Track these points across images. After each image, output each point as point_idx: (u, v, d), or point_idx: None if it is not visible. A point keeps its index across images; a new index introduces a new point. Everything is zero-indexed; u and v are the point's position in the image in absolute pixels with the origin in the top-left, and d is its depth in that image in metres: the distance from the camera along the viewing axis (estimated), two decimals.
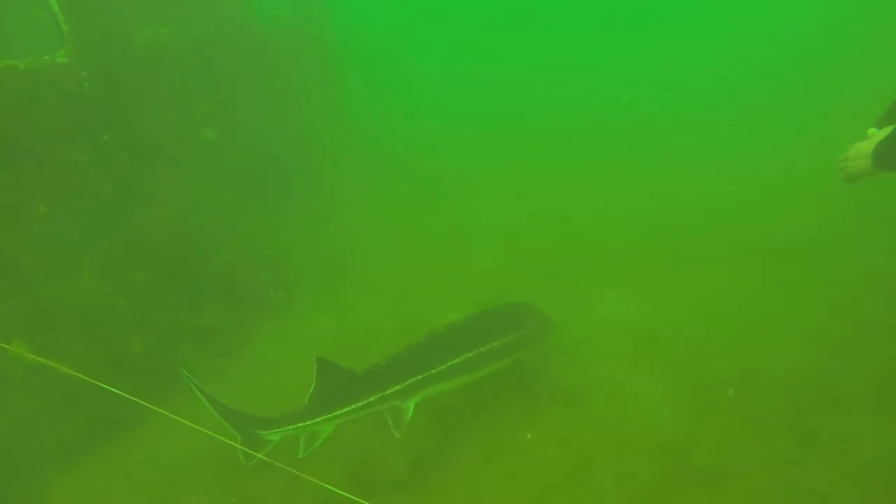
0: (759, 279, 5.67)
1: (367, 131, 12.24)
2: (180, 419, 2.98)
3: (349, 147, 11.25)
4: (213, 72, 7.60)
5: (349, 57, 12.68)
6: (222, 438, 3.43)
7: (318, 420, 3.80)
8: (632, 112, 13.20)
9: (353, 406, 3.82)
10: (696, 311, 5.30)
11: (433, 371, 3.98)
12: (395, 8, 23.70)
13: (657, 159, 10.13)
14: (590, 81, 16.50)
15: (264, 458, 3.55)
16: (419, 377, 3.95)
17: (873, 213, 6.21)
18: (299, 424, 3.79)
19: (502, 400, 4.70)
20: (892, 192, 5.76)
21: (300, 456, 3.83)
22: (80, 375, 2.91)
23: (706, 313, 5.24)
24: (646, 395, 4.53)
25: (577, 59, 19.22)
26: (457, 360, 4.06)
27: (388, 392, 3.87)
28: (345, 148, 11.11)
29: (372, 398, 3.84)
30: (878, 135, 2.69)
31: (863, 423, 3.86)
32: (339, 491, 2.74)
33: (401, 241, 8.60)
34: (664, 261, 6.46)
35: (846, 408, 4.00)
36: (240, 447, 3.67)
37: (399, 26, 22.22)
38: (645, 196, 8.56)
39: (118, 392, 2.90)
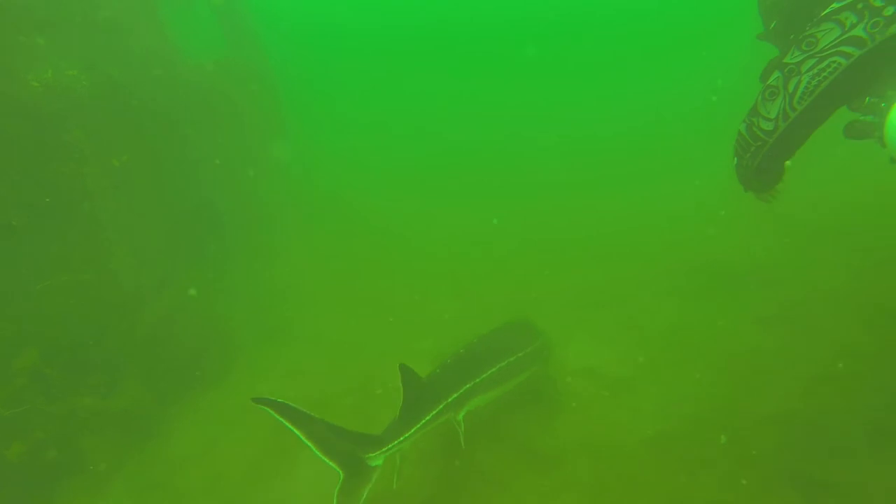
0: (723, 311, 5.39)
1: (307, 172, 11.71)
2: None
3: (289, 189, 10.68)
4: (136, 115, 6.92)
5: (286, 96, 12.24)
6: None
7: (415, 430, 3.56)
8: (571, 148, 13.36)
9: (431, 414, 3.68)
10: (667, 350, 4.93)
11: (478, 380, 4.02)
12: (332, 45, 23.67)
13: (602, 195, 10.05)
14: (526, 122, 16.73)
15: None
16: (469, 385, 3.96)
17: (818, 232, 6.15)
18: (404, 437, 3.48)
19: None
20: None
21: (395, 486, 3.53)
22: None
23: (679, 352, 4.89)
24: (628, 453, 4.07)
25: (513, 99, 19.61)
26: (494, 369, 4.13)
27: (450, 400, 3.82)
28: (285, 190, 10.52)
29: (440, 406, 3.76)
30: None
31: (865, 468, 3.53)
32: None
33: (349, 288, 8.04)
34: (623, 297, 6.16)
35: (843, 451, 3.67)
36: (339, 487, 3.16)
37: (338, 64, 22.16)
38: (595, 229, 8.38)
39: None
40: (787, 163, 2.73)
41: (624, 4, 25.45)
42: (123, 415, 4.91)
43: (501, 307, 6.05)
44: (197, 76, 8.79)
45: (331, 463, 3.26)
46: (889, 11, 1.87)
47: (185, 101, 8.26)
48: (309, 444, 3.26)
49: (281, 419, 3.27)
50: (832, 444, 3.68)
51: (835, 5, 2.03)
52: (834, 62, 2.04)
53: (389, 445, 3.42)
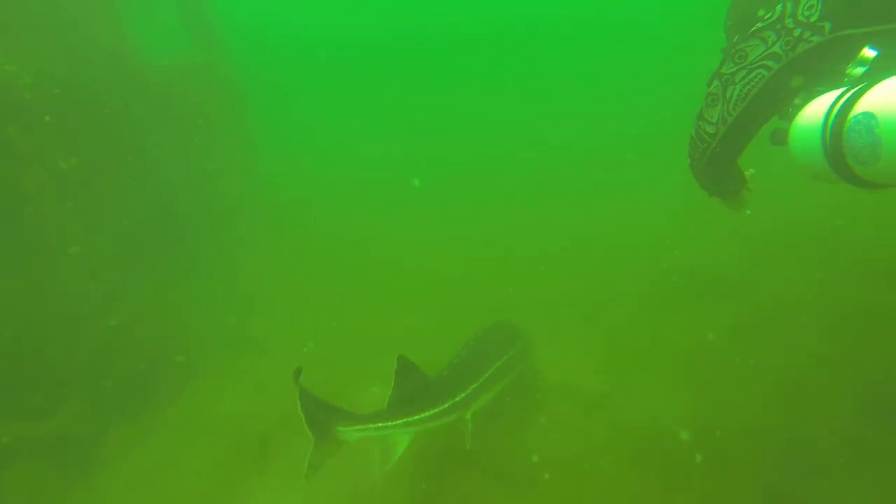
0: (700, 321, 5.29)
1: (273, 180, 11.38)
2: None
3: (253, 195, 10.33)
4: (88, 116, 6.53)
5: (253, 103, 11.93)
6: None
7: (403, 422, 3.57)
8: (549, 160, 13.36)
9: (432, 412, 3.66)
10: (642, 364, 4.80)
11: (484, 377, 4.05)
12: (300, 49, 23.39)
13: (578, 205, 9.98)
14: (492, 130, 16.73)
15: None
16: (476, 384, 3.96)
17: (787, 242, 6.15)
18: (386, 424, 3.52)
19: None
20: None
21: (382, 469, 3.56)
22: None
23: (654, 365, 4.76)
24: (599, 468, 3.89)
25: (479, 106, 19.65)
26: (495, 367, 4.19)
27: (457, 399, 3.80)
28: (249, 196, 10.17)
29: (446, 404, 3.73)
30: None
31: (838, 483, 3.44)
32: None
33: (314, 299, 7.72)
34: (598, 308, 6.03)
35: (815, 464, 3.57)
36: (310, 450, 3.33)
37: (309, 74, 21.89)
38: (568, 240, 8.26)
39: None
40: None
41: (608, 18, 25.96)
42: (59, 441, 4.49)
43: (474, 321, 5.84)
44: (158, 78, 8.42)
45: (307, 428, 3.41)
46: (797, 33, 2.18)
47: (144, 104, 7.88)
48: (300, 411, 3.43)
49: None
50: (805, 458, 3.60)
51: (759, 25, 2.34)
52: (759, 74, 2.35)
53: (364, 426, 3.49)
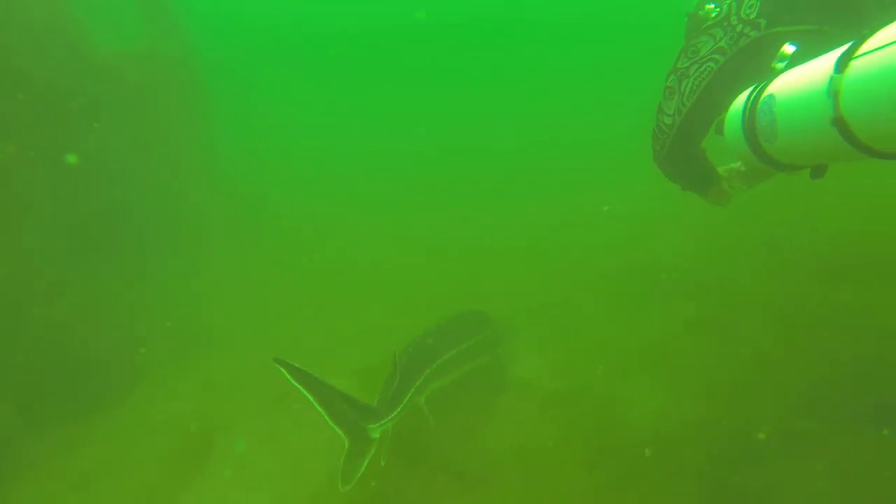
0: (659, 318, 5.33)
1: (233, 172, 11.08)
2: None
3: (214, 190, 10.03)
4: (28, 102, 6.19)
5: (215, 91, 11.60)
6: None
7: (401, 409, 3.69)
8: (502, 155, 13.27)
9: (409, 396, 3.82)
10: (599, 360, 4.78)
11: (440, 360, 4.25)
12: (266, 39, 22.86)
13: (551, 200, 9.98)
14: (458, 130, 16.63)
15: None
16: (428, 371, 4.12)
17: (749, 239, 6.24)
18: (395, 413, 3.60)
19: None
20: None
21: (383, 463, 3.51)
22: None
23: (611, 362, 4.76)
24: (553, 465, 3.86)
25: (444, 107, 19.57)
26: (454, 352, 4.38)
27: (418, 383, 3.99)
28: (209, 191, 9.86)
29: (413, 389, 3.90)
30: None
31: (778, 474, 3.49)
32: None
33: (274, 296, 7.54)
34: (561, 304, 6.01)
35: (758, 457, 3.62)
36: (345, 455, 3.28)
37: (271, 60, 21.40)
38: (538, 235, 8.28)
39: None
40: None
41: (597, 17, 26.13)
42: None
43: (432, 316, 5.78)
44: (111, 65, 8.06)
45: (338, 430, 3.38)
46: (739, 29, 2.45)
47: (94, 91, 7.52)
48: (320, 409, 3.39)
49: (295, 383, 3.40)
50: (747, 450, 3.62)
51: (709, 23, 2.58)
52: (708, 67, 2.57)
53: (385, 419, 3.55)
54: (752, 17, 2.40)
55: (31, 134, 6.13)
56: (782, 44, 2.23)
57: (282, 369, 3.38)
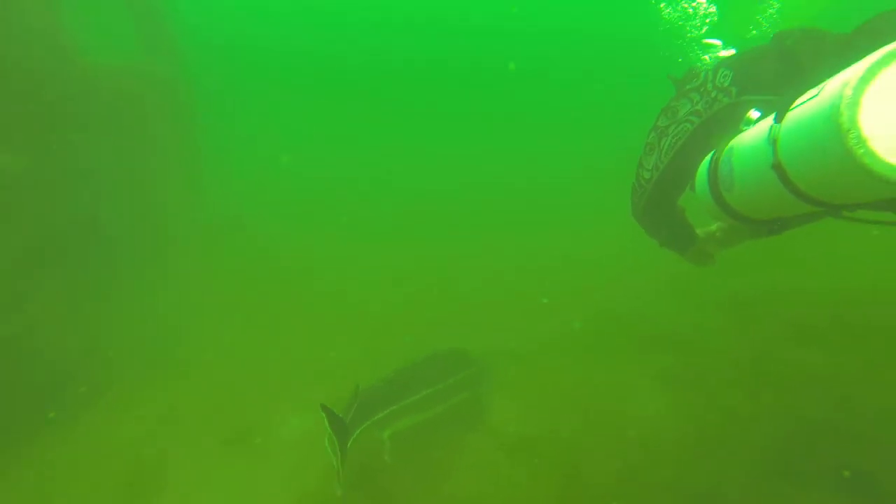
0: (631, 369, 5.30)
1: (211, 194, 10.92)
2: None
3: (192, 212, 9.84)
4: (6, 108, 6.04)
5: (203, 113, 11.54)
6: None
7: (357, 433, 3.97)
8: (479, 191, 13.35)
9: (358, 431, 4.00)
10: (569, 409, 4.71)
11: (406, 402, 4.32)
12: (262, 67, 22.96)
13: (512, 244, 10.00)
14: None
15: None
16: (395, 407, 4.25)
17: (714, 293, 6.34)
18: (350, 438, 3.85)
19: None
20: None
21: (339, 494, 3.71)
22: None
23: (580, 410, 4.69)
24: None
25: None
26: (423, 394, 4.42)
27: (375, 419, 4.14)
28: (187, 212, 9.68)
29: (366, 424, 4.07)
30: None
31: None
32: None
33: (244, 323, 7.32)
34: (530, 350, 5.94)
35: None
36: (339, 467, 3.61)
37: (265, 88, 21.45)
38: (504, 279, 8.25)
39: None
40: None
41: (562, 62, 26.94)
42: None
43: (401, 354, 5.67)
44: (99, 76, 7.94)
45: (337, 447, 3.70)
46: (714, 95, 2.64)
47: (79, 101, 7.39)
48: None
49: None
50: None
51: (688, 87, 2.78)
52: (685, 127, 2.73)
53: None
54: (725, 85, 2.62)
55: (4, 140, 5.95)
56: (749, 109, 2.43)
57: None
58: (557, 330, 6.29)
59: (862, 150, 1.49)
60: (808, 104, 1.70)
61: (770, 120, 1.93)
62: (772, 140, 1.86)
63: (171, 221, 9.28)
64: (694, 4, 3.91)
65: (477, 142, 19.13)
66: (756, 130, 2.07)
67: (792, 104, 1.81)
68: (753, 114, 2.40)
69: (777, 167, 1.84)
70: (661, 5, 4.02)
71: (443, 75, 27.18)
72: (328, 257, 9.57)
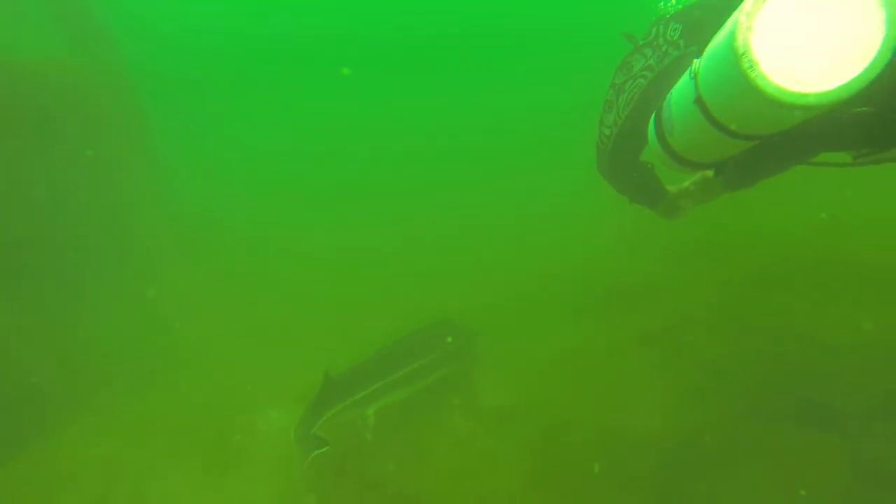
0: (602, 329, 5.31)
1: (177, 188, 10.56)
2: None
3: (154, 208, 9.49)
4: None
5: (156, 105, 11.04)
6: None
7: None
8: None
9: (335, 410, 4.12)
10: (552, 374, 4.75)
11: (390, 379, 4.38)
12: (209, 50, 21.98)
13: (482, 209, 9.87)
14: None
15: None
16: (379, 384, 4.32)
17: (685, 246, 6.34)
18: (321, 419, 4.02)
19: None
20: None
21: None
22: None
23: (561, 376, 4.72)
24: (501, 488, 3.79)
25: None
26: (406, 371, 4.47)
27: (355, 398, 4.23)
28: (148, 209, 9.33)
29: (347, 402, 4.19)
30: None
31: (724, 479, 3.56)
32: None
33: (217, 318, 7.17)
34: (510, 320, 5.90)
35: (704, 466, 3.68)
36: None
37: (222, 73, 20.62)
38: (477, 246, 8.17)
39: None
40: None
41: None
42: None
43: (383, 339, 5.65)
44: (22, 73, 7.41)
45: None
46: (664, 48, 2.66)
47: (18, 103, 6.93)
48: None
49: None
50: (694, 459, 3.67)
51: (641, 43, 2.80)
52: (639, 82, 2.75)
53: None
54: (674, 38, 2.65)
55: None
56: (693, 58, 2.43)
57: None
58: (535, 299, 6.23)
59: (754, 73, 1.49)
60: (719, 34, 1.72)
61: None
62: (693, 74, 1.89)
63: (137, 222, 8.95)
64: None
65: (430, 100, 18.72)
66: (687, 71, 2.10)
67: (712, 38, 1.82)
68: (696, 62, 2.40)
69: (698, 101, 1.84)
70: None
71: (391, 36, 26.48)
72: (305, 247, 9.33)
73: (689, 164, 2.36)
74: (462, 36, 25.84)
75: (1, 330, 5.86)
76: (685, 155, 2.28)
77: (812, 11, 1.49)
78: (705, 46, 2.48)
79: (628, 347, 4.90)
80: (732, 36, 1.55)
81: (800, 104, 1.49)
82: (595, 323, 5.40)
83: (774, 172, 2.88)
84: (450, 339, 4.90)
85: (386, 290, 7.26)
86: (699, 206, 3.20)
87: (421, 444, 4.31)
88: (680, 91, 2.11)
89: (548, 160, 10.98)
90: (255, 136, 16.82)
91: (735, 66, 1.54)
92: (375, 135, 16.06)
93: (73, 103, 8.15)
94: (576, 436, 4.05)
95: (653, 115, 2.45)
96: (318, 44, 26.49)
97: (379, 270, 8.03)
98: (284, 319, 7.00)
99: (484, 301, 6.31)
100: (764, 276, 5.17)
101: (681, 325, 4.95)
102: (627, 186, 3.20)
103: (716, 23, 2.50)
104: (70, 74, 8.32)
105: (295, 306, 7.30)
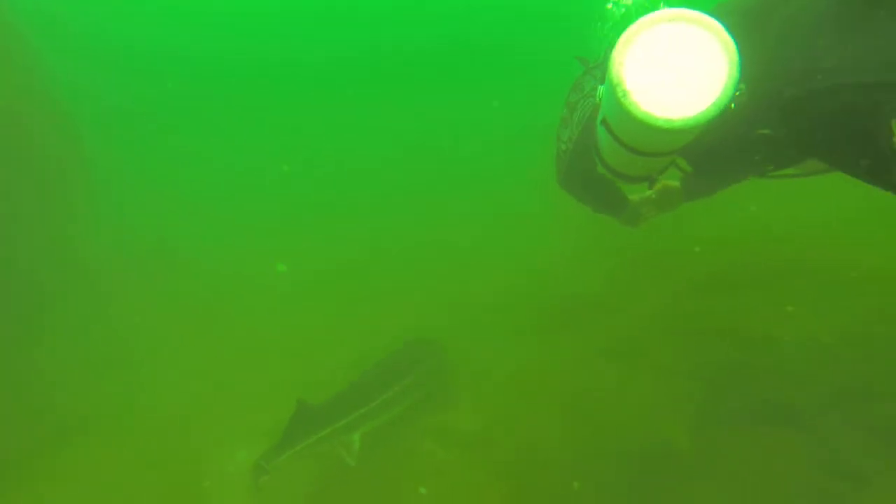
0: (573, 346, 5.28)
1: (126, 218, 10.03)
2: None
3: (99, 242, 8.99)
4: None
5: (95, 128, 10.48)
6: None
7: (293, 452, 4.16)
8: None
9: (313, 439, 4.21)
10: (519, 394, 4.75)
11: (373, 404, 4.46)
12: (162, 71, 21.08)
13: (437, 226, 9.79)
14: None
15: None
16: (363, 410, 4.41)
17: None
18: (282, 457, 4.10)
19: None
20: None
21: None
22: None
23: (528, 395, 4.72)
24: None
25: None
26: (388, 395, 4.56)
27: (338, 426, 4.29)
28: (93, 244, 8.83)
29: (323, 433, 4.25)
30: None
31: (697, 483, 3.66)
32: None
33: (174, 356, 6.84)
34: (472, 339, 5.86)
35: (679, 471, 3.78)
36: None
37: (170, 91, 19.74)
38: (434, 266, 8.11)
39: None
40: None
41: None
42: None
43: (344, 369, 5.52)
44: None
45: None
46: None
47: None
48: None
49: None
50: (672, 465, 3.77)
51: (593, 65, 2.86)
52: (589, 101, 2.77)
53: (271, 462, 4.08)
54: None
55: None
56: None
57: None
58: (497, 316, 6.21)
59: (627, 101, 1.74)
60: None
61: None
62: (598, 99, 2.04)
63: (79, 255, 8.42)
64: None
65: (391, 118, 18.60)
66: None
67: None
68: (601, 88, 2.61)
69: (604, 122, 1.99)
70: None
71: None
72: (265, 280, 8.99)
73: (624, 178, 2.50)
74: (414, 56, 25.81)
75: None
76: (618, 169, 2.43)
77: (671, 52, 1.74)
78: None
79: (592, 361, 4.94)
80: (610, 66, 1.78)
81: (666, 128, 1.75)
82: (557, 338, 5.42)
83: (720, 185, 3.10)
84: (423, 360, 4.99)
85: (347, 312, 7.11)
86: (661, 214, 3.35)
87: (394, 475, 4.22)
88: (597, 114, 2.26)
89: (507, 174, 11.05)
90: (210, 158, 16.18)
91: (614, 94, 1.77)
92: (330, 156, 15.78)
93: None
94: (551, 454, 4.07)
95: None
96: (275, 63, 25.82)
97: (338, 292, 7.88)
98: (247, 349, 6.76)
99: (444, 321, 6.28)
100: (710, 281, 5.35)
101: (640, 335, 5.07)
102: (587, 198, 3.32)
103: None
104: None
105: (257, 335, 7.07)
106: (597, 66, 2.90)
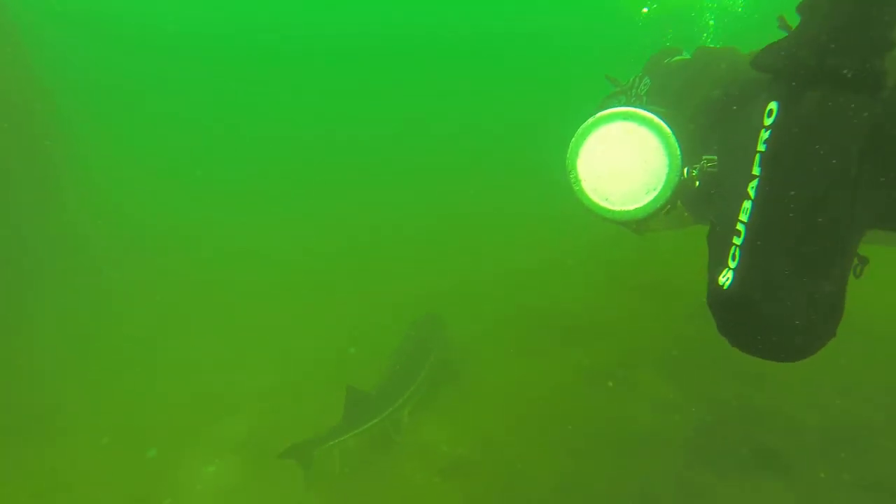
0: (555, 366, 5.19)
1: (115, 197, 9.73)
2: None
3: (92, 223, 8.68)
4: None
5: (79, 106, 10.14)
6: None
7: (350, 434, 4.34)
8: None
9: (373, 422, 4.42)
10: (504, 420, 4.58)
11: (417, 383, 4.81)
12: (145, 44, 20.59)
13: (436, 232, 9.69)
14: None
15: None
16: (411, 389, 4.73)
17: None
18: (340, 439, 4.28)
19: None
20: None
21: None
22: None
23: (509, 417, 4.58)
24: None
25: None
26: (425, 371, 4.93)
27: (396, 405, 4.57)
28: (86, 225, 8.52)
29: (386, 412, 4.50)
30: None
31: None
32: None
33: (140, 355, 6.57)
34: (458, 359, 5.68)
35: None
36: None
37: (152, 67, 19.34)
38: (424, 274, 7.97)
39: None
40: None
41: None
42: None
43: (326, 380, 5.33)
44: None
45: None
46: (633, 101, 2.76)
47: None
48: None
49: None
50: None
51: (617, 90, 2.92)
52: None
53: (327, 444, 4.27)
54: (642, 93, 2.83)
55: None
56: None
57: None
58: (476, 334, 6.05)
59: (577, 188, 2.02)
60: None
61: None
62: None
63: (65, 240, 8.14)
64: None
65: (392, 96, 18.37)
66: None
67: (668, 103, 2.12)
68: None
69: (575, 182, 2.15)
70: None
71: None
72: (258, 255, 8.77)
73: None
74: (411, 44, 25.63)
75: None
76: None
77: (618, 149, 1.95)
78: (664, 107, 2.55)
79: (583, 386, 4.83)
80: (567, 155, 2.01)
81: (608, 218, 1.99)
82: (547, 362, 5.28)
83: None
84: (433, 336, 5.42)
85: (322, 336, 6.76)
86: (670, 230, 3.27)
87: (371, 498, 4.05)
88: None
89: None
90: (207, 136, 15.86)
91: (568, 179, 2.02)
92: (326, 131, 15.56)
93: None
94: (536, 487, 3.91)
95: None
96: (264, 40, 25.46)
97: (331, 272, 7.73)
98: (212, 348, 6.52)
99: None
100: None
101: (635, 362, 4.95)
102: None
103: (675, 92, 2.61)
104: None
105: (231, 334, 6.83)
106: (623, 91, 2.95)
